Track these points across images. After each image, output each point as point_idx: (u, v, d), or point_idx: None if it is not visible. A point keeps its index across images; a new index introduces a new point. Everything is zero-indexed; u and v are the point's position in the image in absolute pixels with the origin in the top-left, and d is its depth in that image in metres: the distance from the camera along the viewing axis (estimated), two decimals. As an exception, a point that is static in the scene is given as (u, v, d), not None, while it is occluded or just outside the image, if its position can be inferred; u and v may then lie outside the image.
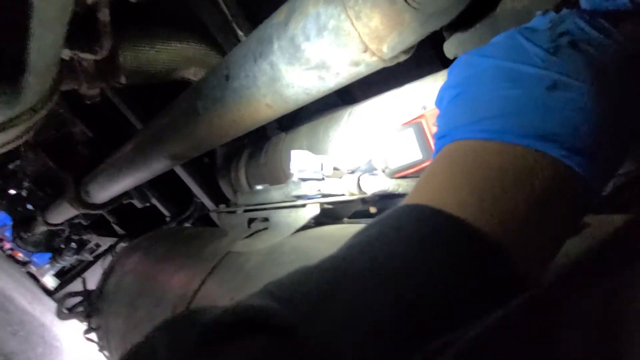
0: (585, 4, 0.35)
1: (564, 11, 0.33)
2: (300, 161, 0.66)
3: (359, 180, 0.61)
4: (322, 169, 0.67)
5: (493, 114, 0.29)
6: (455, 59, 0.61)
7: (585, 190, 0.28)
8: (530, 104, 0.28)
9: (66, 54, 0.96)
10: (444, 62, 1.02)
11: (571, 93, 0.27)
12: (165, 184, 2.18)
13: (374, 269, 0.24)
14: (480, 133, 0.29)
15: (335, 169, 0.70)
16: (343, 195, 0.64)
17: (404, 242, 0.26)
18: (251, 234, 0.80)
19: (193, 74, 1.47)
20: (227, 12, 1.28)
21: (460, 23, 0.53)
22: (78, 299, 1.29)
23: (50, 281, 6.65)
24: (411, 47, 0.60)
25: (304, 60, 0.67)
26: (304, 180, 0.68)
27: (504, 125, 0.28)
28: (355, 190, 0.61)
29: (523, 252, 0.26)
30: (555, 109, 0.27)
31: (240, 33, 1.29)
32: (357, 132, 0.94)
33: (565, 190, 0.27)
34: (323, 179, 0.67)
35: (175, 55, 1.39)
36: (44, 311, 3.65)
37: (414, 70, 0.91)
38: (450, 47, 0.56)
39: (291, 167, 0.67)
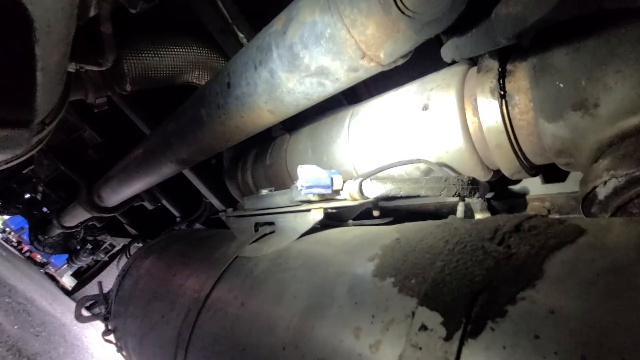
0: None
1: None
2: (308, 176, 0.65)
3: (360, 185, 0.62)
4: (332, 184, 0.66)
5: None
6: (452, 62, 0.61)
7: None
8: None
9: (72, 67, 0.98)
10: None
11: None
12: (174, 186, 2.22)
13: None
14: None
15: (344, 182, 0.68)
16: (345, 200, 0.65)
17: None
18: (258, 238, 0.82)
19: (197, 77, 1.49)
20: (227, 15, 1.29)
21: (457, 28, 0.53)
22: (96, 302, 1.34)
23: (68, 281, 6.85)
24: (409, 52, 0.60)
25: (303, 67, 0.68)
26: (312, 193, 0.67)
27: None
28: (357, 195, 0.62)
29: None
30: None
31: (240, 35, 1.29)
32: (360, 133, 0.94)
33: None
34: (331, 191, 0.66)
35: (178, 60, 1.41)
36: (64, 311, 3.77)
37: (418, 62, 0.91)
38: (447, 52, 0.57)
39: (299, 183, 0.66)
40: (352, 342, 0.41)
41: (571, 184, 0.84)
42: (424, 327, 0.35)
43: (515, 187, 0.93)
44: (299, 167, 0.65)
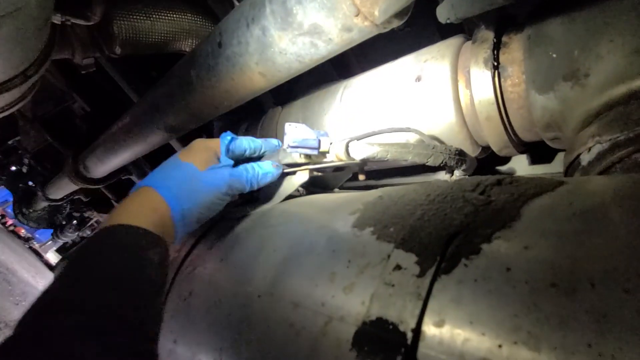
0: None
1: None
2: (296, 135, 0.63)
3: (347, 145, 0.61)
4: (319, 146, 0.64)
5: None
6: (447, 24, 0.60)
7: None
8: None
9: (57, 19, 0.94)
10: (442, 34, 1.00)
11: None
12: (163, 160, 2.19)
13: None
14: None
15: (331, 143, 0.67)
16: (332, 161, 0.64)
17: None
18: (244, 201, 0.81)
19: (190, 45, 1.45)
20: (223, -19, 1.25)
21: (453, -15, 0.52)
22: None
23: (53, 257, 6.76)
24: (403, 12, 0.59)
25: (296, 24, 0.66)
26: (298, 153, 0.65)
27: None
28: (343, 156, 0.61)
29: None
30: None
31: (237, 3, 1.26)
32: (352, 104, 0.93)
33: None
34: (317, 152, 0.65)
35: (171, 25, 1.37)
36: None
37: (415, 45, 0.90)
38: (442, 12, 0.56)
39: (285, 140, 0.64)
40: (327, 286, 0.40)
41: (558, 165, 0.85)
42: (398, 267, 0.35)
43: (503, 168, 0.94)
44: (287, 124, 0.63)
